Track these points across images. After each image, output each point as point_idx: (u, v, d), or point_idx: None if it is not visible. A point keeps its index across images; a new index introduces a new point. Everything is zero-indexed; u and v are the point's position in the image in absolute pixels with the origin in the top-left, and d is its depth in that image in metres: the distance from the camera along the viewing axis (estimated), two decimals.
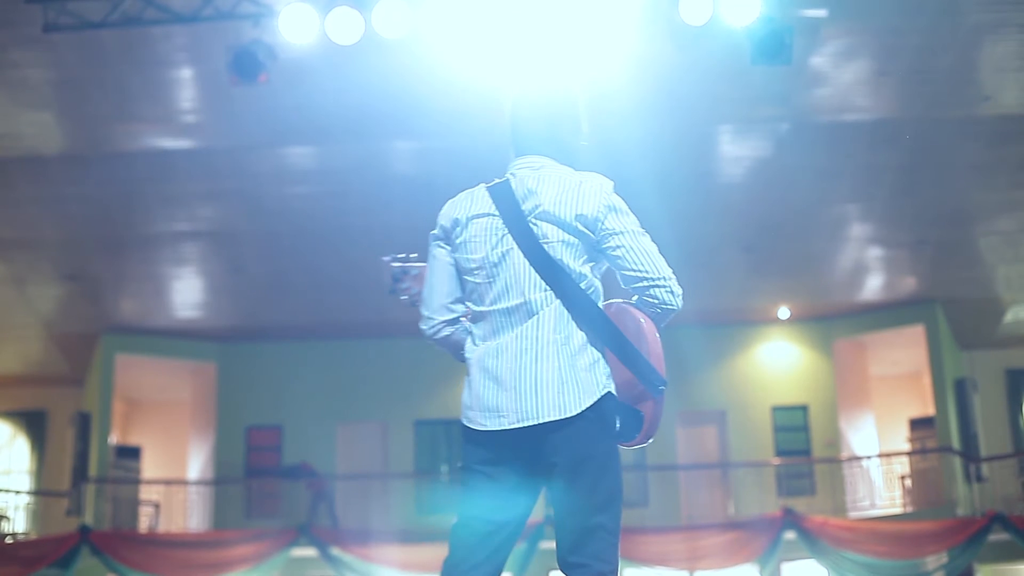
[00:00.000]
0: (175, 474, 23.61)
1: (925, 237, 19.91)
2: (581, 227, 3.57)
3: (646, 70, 15.89)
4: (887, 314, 22.11)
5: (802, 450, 22.95)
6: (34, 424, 24.29)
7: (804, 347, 23.28)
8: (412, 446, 23.31)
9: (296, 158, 18.78)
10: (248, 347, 23.17)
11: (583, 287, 3.52)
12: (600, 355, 3.49)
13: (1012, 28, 15.81)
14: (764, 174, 18.98)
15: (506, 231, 3.62)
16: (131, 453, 24.22)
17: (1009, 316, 21.92)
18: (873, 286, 21.89)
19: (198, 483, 22.96)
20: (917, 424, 23.36)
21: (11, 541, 21.31)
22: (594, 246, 3.58)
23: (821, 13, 15.17)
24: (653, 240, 3.60)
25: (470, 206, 3.82)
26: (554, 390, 3.41)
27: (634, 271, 3.54)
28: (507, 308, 3.52)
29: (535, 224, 3.59)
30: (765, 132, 18.17)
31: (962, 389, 22.11)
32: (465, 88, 16.06)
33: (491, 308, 3.55)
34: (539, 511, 18.16)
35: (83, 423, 22.54)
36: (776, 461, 22.77)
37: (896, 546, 19.54)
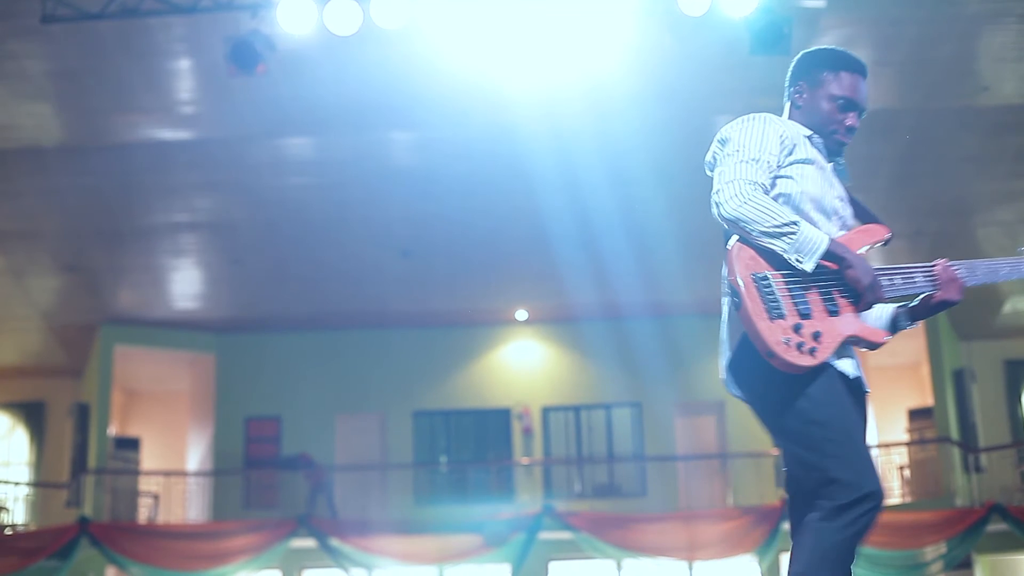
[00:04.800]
0: (174, 465, 23.64)
1: (923, 228, 19.89)
2: (708, 171, 3.70)
3: (645, 61, 15.88)
4: None
5: None
6: (33, 415, 24.29)
7: None
8: (411, 437, 23.33)
9: (294, 149, 18.76)
10: (247, 338, 23.17)
11: None
12: None
13: (1011, 18, 15.79)
14: None
15: None
16: (130, 444, 24.23)
17: (1008, 307, 21.93)
18: None
19: (197, 474, 22.98)
20: (916, 414, 23.38)
21: (10, 533, 21.33)
22: None
23: (820, 3, 15.16)
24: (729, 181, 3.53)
25: None
26: None
27: None
28: None
29: None
30: None
31: (961, 380, 22.13)
32: (464, 79, 16.05)
33: None
34: (537, 503, 18.13)
35: (82, 414, 22.55)
36: (775, 451, 22.77)
37: (895, 536, 19.54)
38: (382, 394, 23.10)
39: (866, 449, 3.41)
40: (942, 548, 19.51)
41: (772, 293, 3.39)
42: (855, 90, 3.74)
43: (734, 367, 3.53)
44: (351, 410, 23.29)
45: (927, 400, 22.56)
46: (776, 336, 3.33)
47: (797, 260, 3.41)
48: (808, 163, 3.64)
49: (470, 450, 23.62)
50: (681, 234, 19.81)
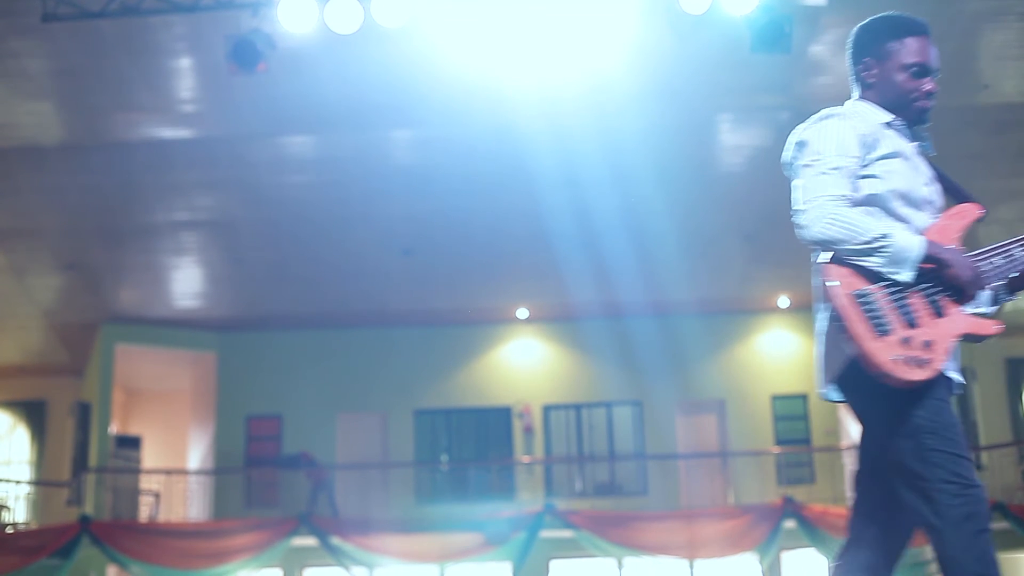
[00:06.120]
0: (175, 464, 23.64)
1: None
2: (785, 172, 3.63)
3: (646, 59, 15.88)
4: None
5: (802, 439, 22.97)
6: (34, 414, 24.31)
7: (804, 336, 23.27)
8: (412, 436, 23.33)
9: (295, 147, 18.76)
10: (248, 336, 23.17)
11: None
12: None
13: (1011, 16, 15.79)
14: (764, 163, 18.93)
15: None
16: (131, 443, 24.23)
17: (1008, 305, 21.90)
18: None
19: (198, 473, 22.97)
20: None
21: (11, 531, 21.34)
22: None
23: (821, 1, 15.16)
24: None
25: None
26: None
27: None
28: None
29: None
30: (765, 121, 18.16)
31: (962, 378, 22.11)
32: (464, 77, 16.05)
33: None
34: (539, 501, 18.10)
35: (83, 413, 22.56)
36: (776, 450, 22.79)
37: None
38: (383, 393, 23.09)
39: (969, 454, 3.35)
40: None
41: (874, 309, 3.28)
42: (925, 53, 3.62)
43: (841, 383, 3.45)
44: (352, 409, 23.29)
45: None
46: (886, 356, 3.23)
47: (894, 272, 3.31)
48: (893, 157, 3.52)
49: (471, 449, 23.61)
50: (682, 232, 19.83)
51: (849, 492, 21.79)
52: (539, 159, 17.48)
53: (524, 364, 23.70)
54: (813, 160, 3.44)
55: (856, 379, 3.36)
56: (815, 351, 3.55)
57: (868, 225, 3.33)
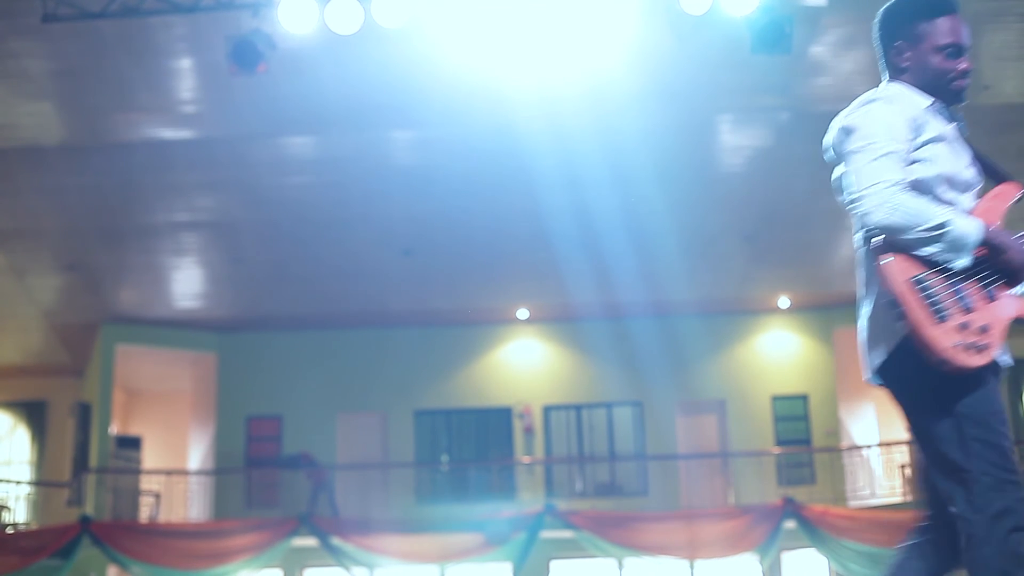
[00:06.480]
0: (175, 464, 23.64)
1: None
2: (833, 164, 3.58)
3: (646, 60, 15.88)
4: None
5: (802, 439, 22.96)
6: (34, 414, 24.31)
7: (804, 336, 23.28)
8: (412, 436, 23.33)
9: (296, 148, 18.77)
10: (248, 337, 23.18)
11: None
12: None
13: (1012, 17, 15.79)
14: (764, 163, 18.97)
15: None
16: (131, 443, 24.24)
17: None
18: None
19: (198, 473, 22.97)
20: None
21: (12, 531, 21.34)
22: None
23: (821, 2, 15.16)
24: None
25: None
26: None
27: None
28: None
29: None
30: (765, 121, 18.17)
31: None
32: (465, 78, 16.06)
33: None
34: (539, 502, 18.09)
35: (83, 413, 22.56)
36: (776, 450, 22.79)
37: (896, 535, 19.33)
38: (383, 393, 23.09)
39: (1011, 446, 3.29)
40: None
41: (932, 295, 3.23)
42: (958, 32, 3.55)
43: (887, 370, 3.42)
44: (352, 409, 23.29)
45: None
46: (945, 342, 3.19)
47: (952, 259, 3.27)
48: (938, 141, 3.46)
49: (471, 449, 23.61)
50: (682, 233, 19.83)
51: (851, 492, 21.82)
52: (539, 159, 17.49)
53: (524, 364, 23.70)
54: (865, 145, 3.37)
55: (901, 365, 3.34)
56: (859, 338, 3.51)
57: (930, 211, 3.27)
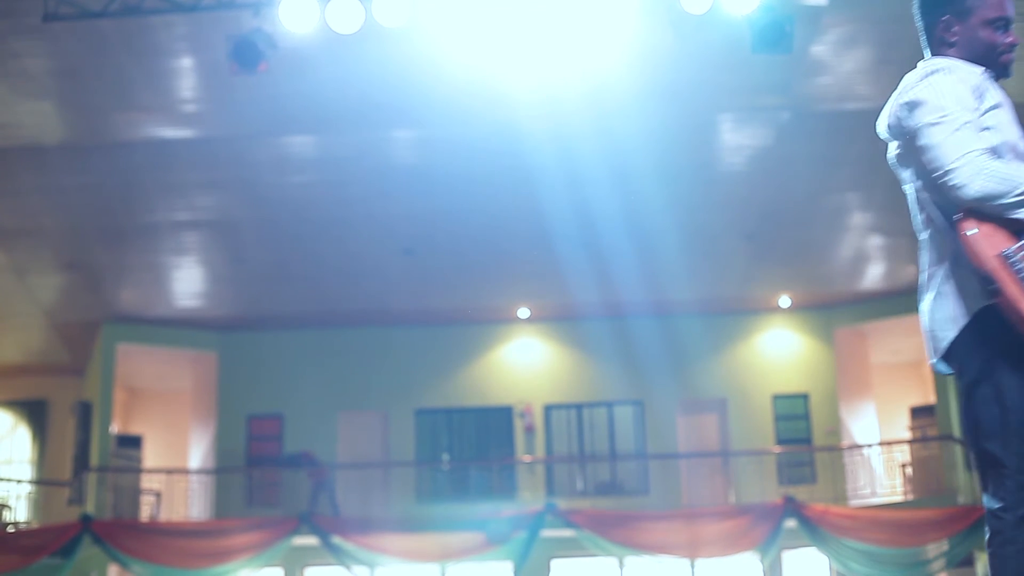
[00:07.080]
0: (176, 463, 23.64)
1: None
2: (893, 143, 3.52)
3: (647, 59, 15.88)
4: (888, 302, 22.10)
5: (803, 438, 22.96)
6: (35, 413, 24.31)
7: (805, 335, 23.28)
8: (413, 435, 23.33)
9: (296, 147, 18.77)
10: (249, 336, 23.18)
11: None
12: None
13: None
14: (765, 163, 18.97)
15: None
16: (132, 442, 24.24)
17: None
18: (874, 274, 21.89)
19: (199, 472, 22.97)
20: (918, 412, 23.37)
21: (12, 530, 21.34)
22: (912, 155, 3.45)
23: (822, 1, 15.16)
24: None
25: None
26: None
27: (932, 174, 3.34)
28: None
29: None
30: (766, 121, 18.16)
31: None
32: (465, 77, 16.06)
33: None
34: (540, 501, 18.09)
35: (84, 412, 22.56)
36: (777, 449, 22.79)
37: (897, 534, 19.57)
38: (384, 392, 23.10)
39: None
40: (944, 546, 19.51)
41: (1022, 269, 3.16)
42: (1004, 6, 3.49)
43: (956, 351, 3.33)
44: (353, 408, 23.30)
45: (929, 398, 22.57)
46: None
47: None
48: (999, 108, 3.40)
49: (472, 448, 23.61)
50: (683, 232, 19.83)
51: (851, 491, 21.82)
52: (540, 159, 17.49)
53: (525, 363, 23.70)
54: (940, 117, 3.29)
55: (968, 343, 3.29)
56: (924, 321, 3.43)
57: (1021, 175, 3.22)
